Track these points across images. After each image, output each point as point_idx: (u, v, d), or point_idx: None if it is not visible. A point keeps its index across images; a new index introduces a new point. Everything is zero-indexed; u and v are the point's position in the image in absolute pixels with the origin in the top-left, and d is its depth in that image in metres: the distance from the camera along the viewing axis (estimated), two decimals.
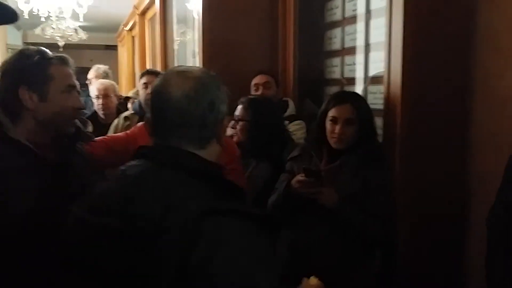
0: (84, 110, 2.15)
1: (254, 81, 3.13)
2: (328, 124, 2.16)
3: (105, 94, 3.75)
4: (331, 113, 2.15)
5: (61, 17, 7.13)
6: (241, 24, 3.38)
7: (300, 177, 2.07)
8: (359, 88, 2.87)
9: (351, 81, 2.99)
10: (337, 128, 2.12)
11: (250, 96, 2.83)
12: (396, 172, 2.19)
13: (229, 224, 1.04)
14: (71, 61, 1.65)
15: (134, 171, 1.17)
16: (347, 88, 3.02)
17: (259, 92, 3.06)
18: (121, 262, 1.07)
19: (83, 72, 3.97)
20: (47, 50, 1.62)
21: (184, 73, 1.20)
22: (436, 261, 2.23)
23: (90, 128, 2.85)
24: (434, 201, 2.21)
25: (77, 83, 1.67)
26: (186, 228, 1.01)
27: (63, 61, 1.62)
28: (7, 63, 1.58)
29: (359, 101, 2.19)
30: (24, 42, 12.96)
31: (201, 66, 3.48)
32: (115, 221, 1.08)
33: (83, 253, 1.13)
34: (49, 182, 1.51)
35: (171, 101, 1.14)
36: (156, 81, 1.21)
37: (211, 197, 1.10)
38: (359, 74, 2.90)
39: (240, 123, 2.58)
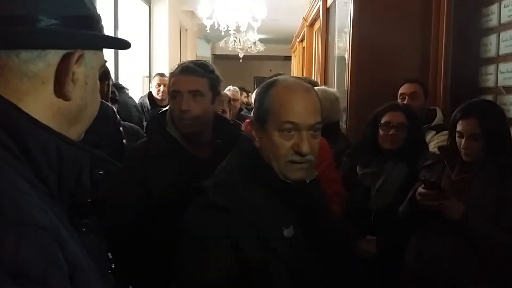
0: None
1: (400, 90, 3.11)
2: (456, 137, 2.11)
3: None
4: (458, 126, 2.10)
5: (239, 30, 7.78)
6: (392, 31, 3.40)
7: (421, 189, 2.06)
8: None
9: (507, 89, 2.80)
10: (463, 142, 2.06)
11: (398, 103, 2.84)
12: None
13: None
14: (191, 69, 1.80)
15: None
16: (502, 98, 2.84)
17: (404, 102, 3.02)
18: None
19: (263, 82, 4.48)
20: (183, 64, 1.85)
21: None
22: None
23: None
24: None
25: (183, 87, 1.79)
26: None
27: (180, 71, 1.82)
28: None
29: (487, 113, 2.08)
30: (212, 54, 14.37)
31: (349, 73, 3.58)
32: None
33: None
34: (187, 173, 1.75)
35: None
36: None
37: None
38: None
39: (398, 128, 2.55)
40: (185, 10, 9.34)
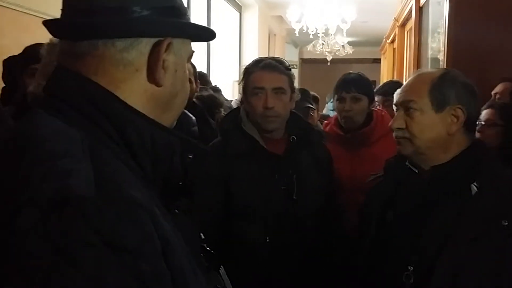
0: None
1: (495, 90, 2.96)
2: None
3: None
4: None
5: (328, 33, 7.75)
6: (492, 29, 3.24)
7: None
8: None
9: None
10: None
11: (494, 102, 2.70)
12: None
13: None
14: (274, 66, 1.81)
15: None
16: None
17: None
18: None
19: None
20: (264, 60, 1.84)
21: None
22: None
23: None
24: None
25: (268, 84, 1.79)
26: None
27: (263, 67, 1.82)
28: None
29: None
30: (300, 58, 14.40)
31: None
32: None
33: None
34: (266, 171, 1.79)
35: None
36: None
37: None
38: None
39: (494, 127, 2.40)
40: (274, 16, 9.47)
